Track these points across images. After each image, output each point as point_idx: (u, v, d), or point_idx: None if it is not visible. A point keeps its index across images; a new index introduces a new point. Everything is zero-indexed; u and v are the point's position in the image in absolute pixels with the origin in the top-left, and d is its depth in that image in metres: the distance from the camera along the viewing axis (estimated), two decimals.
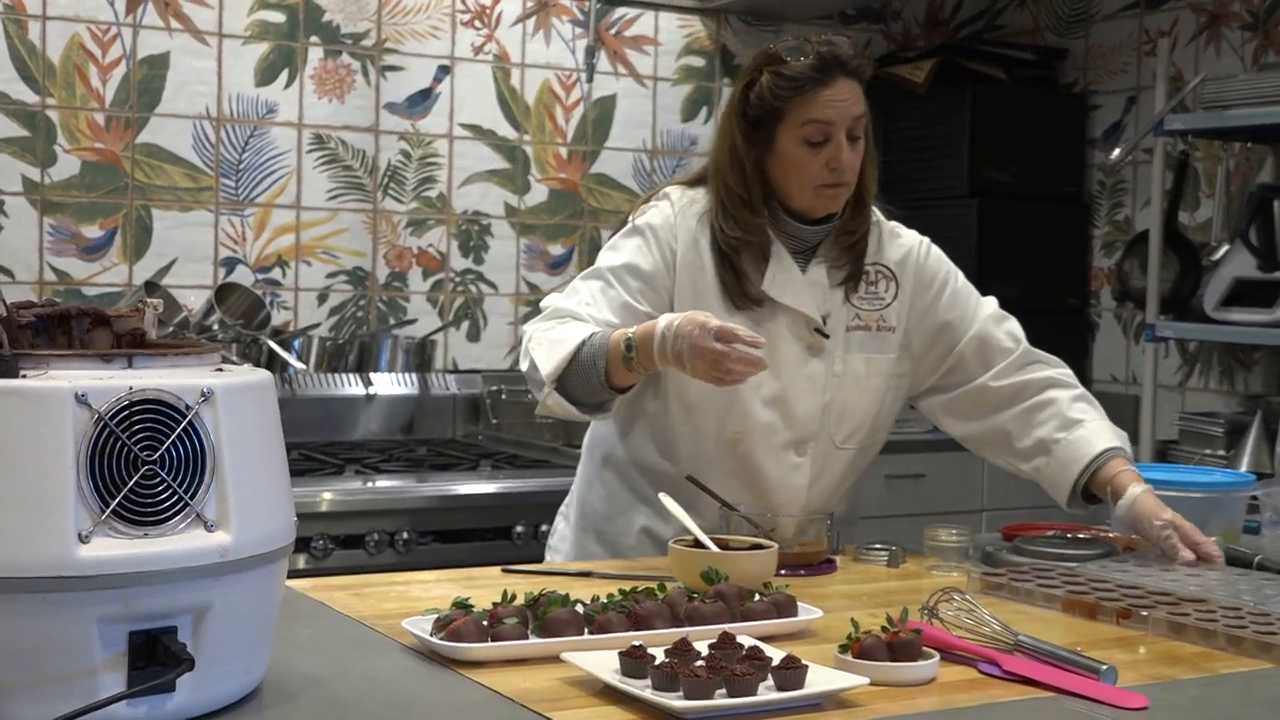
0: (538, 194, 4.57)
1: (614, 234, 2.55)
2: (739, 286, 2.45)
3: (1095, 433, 2.48)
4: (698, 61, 4.83)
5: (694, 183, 2.55)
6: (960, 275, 2.64)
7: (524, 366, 2.38)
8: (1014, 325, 2.63)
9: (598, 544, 2.59)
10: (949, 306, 2.59)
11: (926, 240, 2.65)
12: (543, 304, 2.48)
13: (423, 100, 4.41)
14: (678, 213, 2.48)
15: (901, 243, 2.61)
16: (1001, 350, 2.58)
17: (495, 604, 1.78)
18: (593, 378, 2.28)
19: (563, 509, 2.74)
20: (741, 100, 2.45)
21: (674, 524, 2.27)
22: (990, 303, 2.65)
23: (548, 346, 2.32)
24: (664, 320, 2.22)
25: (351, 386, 4.18)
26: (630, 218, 2.53)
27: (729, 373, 2.17)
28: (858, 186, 2.48)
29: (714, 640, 1.64)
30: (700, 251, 2.46)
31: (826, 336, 2.49)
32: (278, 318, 4.20)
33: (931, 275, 2.60)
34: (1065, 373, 2.61)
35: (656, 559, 2.39)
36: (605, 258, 2.48)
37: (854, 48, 2.46)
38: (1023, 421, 2.55)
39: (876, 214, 2.58)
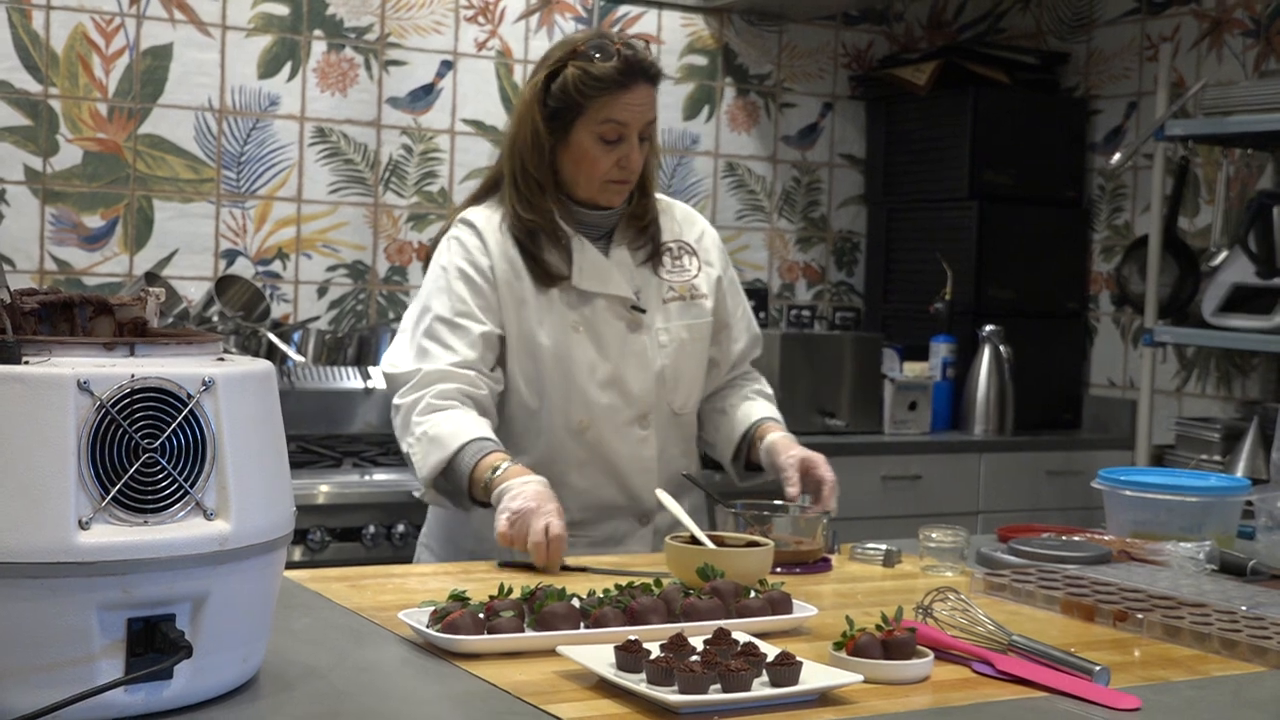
0: None
1: (429, 272, 2.61)
2: (542, 269, 2.55)
3: (759, 408, 2.71)
4: (700, 60, 4.83)
5: (483, 194, 2.66)
6: (733, 269, 2.80)
7: (404, 448, 2.47)
8: (759, 350, 2.83)
9: (458, 555, 2.58)
10: (728, 296, 2.74)
11: (714, 230, 2.80)
12: (391, 367, 2.54)
13: (425, 95, 4.41)
14: (481, 231, 2.57)
15: (696, 224, 2.76)
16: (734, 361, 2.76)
17: (492, 597, 1.79)
18: (460, 487, 2.39)
19: (422, 539, 2.73)
20: (543, 89, 2.55)
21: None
22: (750, 320, 2.81)
23: (426, 445, 2.41)
24: (532, 487, 2.28)
25: (350, 380, 4.18)
26: (435, 255, 2.62)
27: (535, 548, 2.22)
28: (642, 178, 2.61)
29: (709, 636, 1.65)
30: (509, 255, 2.56)
31: (643, 311, 2.60)
32: (277, 310, 4.20)
33: (724, 260, 2.76)
34: (764, 383, 2.83)
35: (654, 555, 2.40)
36: (434, 303, 2.54)
37: (649, 53, 2.58)
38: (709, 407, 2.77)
39: (666, 199, 2.75)
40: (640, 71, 2.51)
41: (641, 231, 2.64)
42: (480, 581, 2.01)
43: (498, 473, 2.32)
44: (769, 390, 2.81)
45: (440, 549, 2.64)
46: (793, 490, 2.48)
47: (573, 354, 2.54)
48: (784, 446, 2.58)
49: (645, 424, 2.60)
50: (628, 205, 2.63)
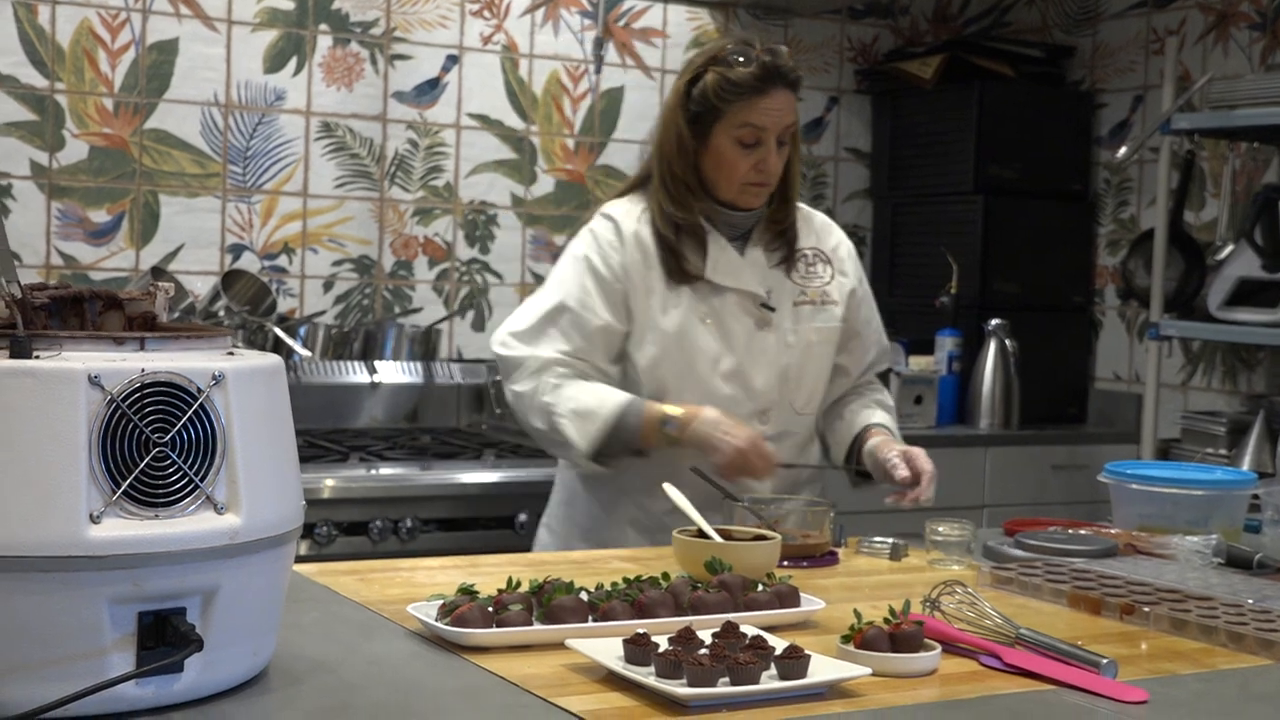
0: (544, 185, 4.58)
1: (562, 259, 2.73)
2: (679, 266, 2.64)
3: (872, 415, 2.79)
4: None
5: (630, 189, 2.76)
6: (866, 281, 2.89)
7: (538, 426, 2.60)
8: (887, 362, 2.93)
9: (584, 543, 2.69)
10: (861, 306, 2.83)
11: (849, 242, 2.88)
12: (503, 347, 2.65)
13: (431, 90, 4.41)
14: (619, 226, 2.67)
15: (833, 234, 2.85)
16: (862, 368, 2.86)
17: (500, 590, 1.79)
18: (627, 445, 2.55)
19: (545, 520, 2.85)
20: (685, 94, 2.65)
21: (657, 512, 2.45)
22: (880, 332, 2.90)
23: (578, 421, 2.55)
24: (710, 411, 2.52)
25: (356, 374, 4.18)
26: (571, 244, 2.73)
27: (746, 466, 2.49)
28: (784, 184, 2.71)
29: (717, 629, 1.65)
30: (644, 249, 2.65)
31: (772, 310, 2.69)
32: (283, 305, 4.21)
33: (858, 272, 2.85)
34: (887, 395, 2.92)
35: (662, 549, 2.41)
36: (560, 290, 2.66)
37: (792, 59, 2.65)
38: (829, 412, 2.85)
39: (806, 208, 2.83)
40: (778, 77, 2.60)
41: (779, 235, 2.73)
42: (489, 575, 2.01)
43: (670, 421, 2.52)
44: (889, 401, 2.89)
45: (560, 528, 2.77)
46: (902, 474, 2.57)
47: (697, 343, 2.64)
48: (886, 445, 2.66)
49: (765, 419, 2.68)
50: (768, 208, 2.72)
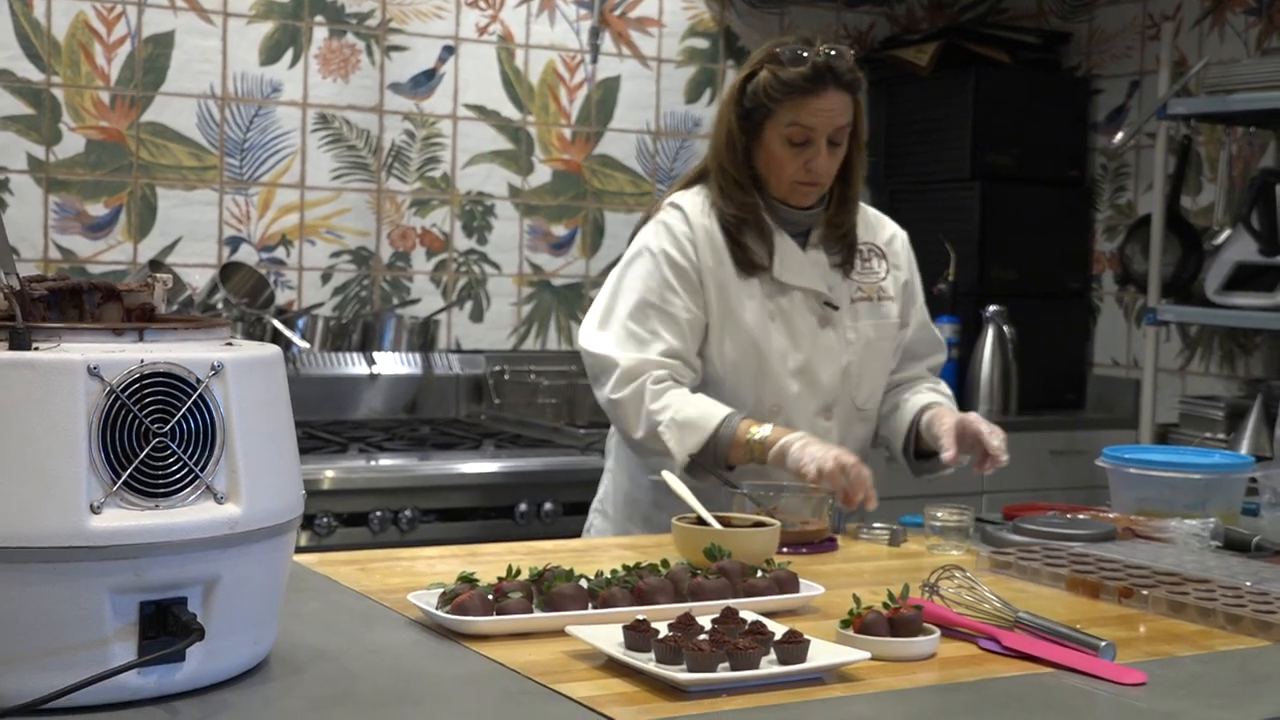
0: (541, 175, 4.58)
1: (632, 252, 2.69)
2: (745, 258, 2.65)
3: (928, 398, 2.75)
4: (701, 43, 4.83)
5: (691, 182, 2.75)
6: (918, 274, 2.89)
7: (637, 434, 2.56)
8: (939, 356, 2.90)
9: (644, 528, 2.69)
10: (912, 299, 2.85)
11: (904, 233, 2.89)
12: (594, 348, 2.63)
13: (427, 80, 4.41)
14: (689, 217, 2.66)
15: (886, 227, 2.85)
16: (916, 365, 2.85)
17: (500, 579, 1.80)
18: (718, 460, 2.52)
19: (596, 505, 2.85)
20: (740, 90, 2.65)
21: (721, 503, 2.39)
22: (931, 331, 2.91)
23: (678, 430, 2.52)
24: (797, 439, 2.46)
25: (355, 366, 4.19)
26: (641, 236, 2.70)
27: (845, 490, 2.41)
28: (845, 186, 2.72)
29: (717, 615, 1.66)
30: (714, 239, 2.65)
31: (835, 308, 2.69)
32: (282, 297, 4.21)
33: (910, 264, 2.86)
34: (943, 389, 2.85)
35: (661, 536, 2.42)
36: (641, 287, 2.63)
37: (852, 60, 2.63)
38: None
39: (860, 203, 2.81)
40: (831, 77, 2.58)
41: (840, 239, 2.73)
42: (489, 564, 2.02)
43: (760, 435, 2.48)
44: (947, 390, 2.85)
45: (615, 513, 2.77)
46: (947, 455, 2.53)
47: (770, 340, 2.64)
48: (941, 416, 2.62)
49: (829, 415, 2.69)
50: (825, 210, 2.71)
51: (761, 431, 2.49)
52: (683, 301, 2.61)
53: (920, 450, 2.72)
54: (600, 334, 2.63)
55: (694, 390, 2.61)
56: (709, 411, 2.54)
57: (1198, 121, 4.38)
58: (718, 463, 2.52)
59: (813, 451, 2.41)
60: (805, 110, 2.58)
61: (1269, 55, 4.38)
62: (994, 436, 2.50)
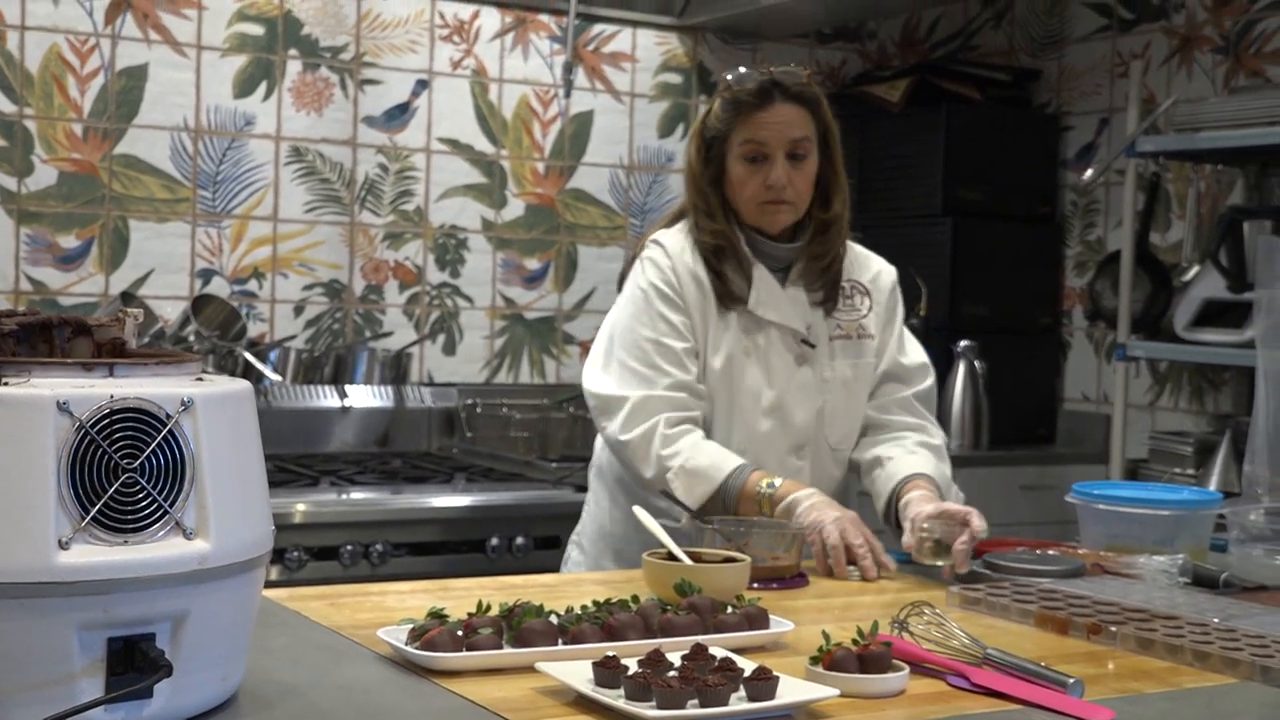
0: (515, 209, 4.59)
1: (625, 294, 2.72)
2: (725, 290, 2.66)
3: (912, 463, 2.64)
4: (674, 78, 4.86)
5: (673, 220, 2.77)
6: (902, 313, 2.84)
7: (647, 475, 2.56)
8: (928, 391, 2.80)
9: (615, 563, 2.70)
10: (894, 339, 2.79)
11: (892, 269, 2.84)
12: (598, 389, 2.64)
13: (400, 114, 4.42)
14: (669, 250, 2.68)
15: (871, 265, 2.82)
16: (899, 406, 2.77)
17: (470, 614, 1.80)
18: (726, 508, 2.52)
19: (574, 537, 2.87)
20: (701, 123, 2.70)
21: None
22: (919, 355, 2.83)
23: (687, 478, 2.52)
24: (806, 498, 2.46)
25: (327, 398, 4.18)
26: (630, 277, 2.72)
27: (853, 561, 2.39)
28: (826, 210, 2.70)
29: (687, 651, 1.66)
30: (696, 275, 2.66)
31: (813, 346, 2.69)
32: (253, 329, 4.20)
33: (894, 306, 2.81)
34: (934, 435, 2.77)
35: (631, 572, 2.41)
36: (637, 324, 2.64)
37: (805, 77, 2.66)
38: (867, 445, 2.75)
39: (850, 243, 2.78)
40: (778, 91, 2.61)
41: (821, 273, 2.70)
42: (459, 599, 2.02)
43: (771, 487, 2.49)
44: (937, 440, 2.75)
45: (590, 546, 2.78)
46: (906, 540, 2.43)
47: (743, 378, 2.64)
48: (916, 504, 2.49)
49: (801, 455, 2.69)
50: (808, 244, 2.69)
51: (771, 485, 2.50)
52: (677, 331, 2.62)
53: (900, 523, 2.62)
54: (604, 375, 2.65)
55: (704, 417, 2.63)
56: (719, 462, 2.54)
57: (1166, 159, 4.42)
58: (727, 513, 2.50)
59: (816, 518, 2.41)
60: (755, 124, 2.61)
61: (1236, 94, 4.42)
62: (973, 517, 2.38)
